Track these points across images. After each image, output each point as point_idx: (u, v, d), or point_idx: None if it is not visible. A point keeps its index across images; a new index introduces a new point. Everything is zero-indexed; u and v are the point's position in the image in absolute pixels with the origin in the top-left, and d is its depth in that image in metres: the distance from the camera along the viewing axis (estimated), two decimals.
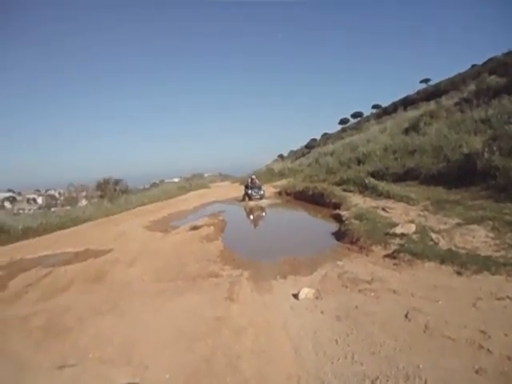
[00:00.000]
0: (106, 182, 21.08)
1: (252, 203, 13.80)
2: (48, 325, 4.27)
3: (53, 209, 23.09)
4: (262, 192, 14.38)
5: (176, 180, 35.00)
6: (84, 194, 25.00)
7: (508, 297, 3.51)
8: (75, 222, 12.83)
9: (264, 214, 11.94)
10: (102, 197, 19.57)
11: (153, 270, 6.11)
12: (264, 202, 13.92)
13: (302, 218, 10.93)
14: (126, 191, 21.30)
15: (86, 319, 4.31)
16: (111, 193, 19.86)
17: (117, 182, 21.58)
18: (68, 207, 20.95)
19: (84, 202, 22.41)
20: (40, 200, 48.84)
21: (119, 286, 5.47)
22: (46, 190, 55.29)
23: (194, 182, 27.36)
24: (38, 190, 56.67)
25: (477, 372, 2.49)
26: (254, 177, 15.62)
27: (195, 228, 9.25)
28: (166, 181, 34.81)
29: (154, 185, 30.45)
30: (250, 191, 14.31)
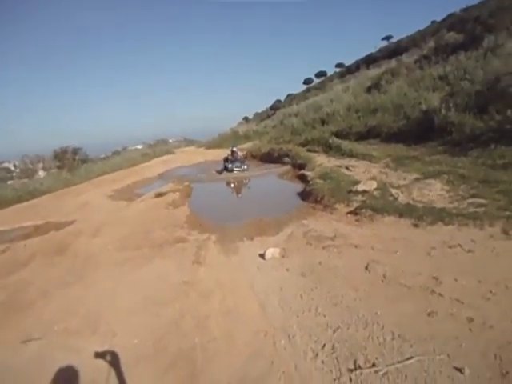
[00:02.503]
0: (64, 151, 20.11)
1: (233, 175, 11.81)
2: (10, 300, 4.15)
3: (8, 182, 21.89)
4: (244, 166, 12.19)
5: (139, 147, 33.77)
6: (41, 165, 23.73)
7: (459, 244, 3.75)
8: (33, 194, 12.22)
9: (231, 178, 11.63)
10: (60, 167, 18.72)
11: (118, 239, 5.99)
12: (249, 175, 11.68)
13: (267, 179, 10.95)
14: (86, 160, 20.49)
15: (49, 292, 4.21)
16: (70, 163, 19.03)
17: (75, 151, 20.64)
18: (25, 180, 19.91)
19: (42, 174, 21.32)
20: None
21: (83, 257, 5.34)
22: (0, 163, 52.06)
23: (157, 148, 26.59)
24: None
25: (429, 315, 2.69)
26: (235, 149, 12.88)
27: (160, 195, 9.07)
28: (129, 148, 33.53)
29: (115, 153, 29.27)
30: (230, 165, 12.14)
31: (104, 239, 6.10)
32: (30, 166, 24.76)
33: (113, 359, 2.70)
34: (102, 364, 2.67)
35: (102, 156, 26.79)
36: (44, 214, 8.63)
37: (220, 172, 12.43)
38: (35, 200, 11.57)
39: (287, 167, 11.23)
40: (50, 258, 5.55)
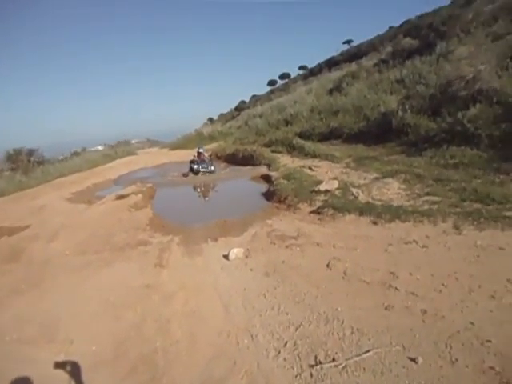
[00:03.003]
0: (18, 152, 18.97)
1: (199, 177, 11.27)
2: None
3: None
4: (212, 168, 11.61)
5: (100, 148, 32.59)
6: None
7: (414, 240, 3.94)
8: None
9: (197, 179, 11.38)
10: (13, 169, 17.67)
11: (76, 243, 5.75)
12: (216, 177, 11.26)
13: (232, 180, 10.92)
14: (42, 162, 19.43)
15: (1, 302, 3.98)
16: (25, 164, 17.98)
17: (30, 152, 19.51)
18: None
19: None
20: None
21: (39, 263, 5.08)
22: None
23: (119, 149, 25.72)
24: None
25: (386, 308, 2.80)
26: (201, 150, 12.13)
27: (122, 197, 8.78)
28: (89, 149, 32.25)
29: (75, 154, 28.03)
30: (196, 166, 11.46)
31: (62, 244, 5.83)
32: None
33: (71, 367, 2.59)
34: (59, 373, 2.55)
35: (60, 157, 25.58)
36: None
37: (186, 174, 11.87)
38: None
39: (258, 169, 10.81)
40: (1, 265, 5.23)
